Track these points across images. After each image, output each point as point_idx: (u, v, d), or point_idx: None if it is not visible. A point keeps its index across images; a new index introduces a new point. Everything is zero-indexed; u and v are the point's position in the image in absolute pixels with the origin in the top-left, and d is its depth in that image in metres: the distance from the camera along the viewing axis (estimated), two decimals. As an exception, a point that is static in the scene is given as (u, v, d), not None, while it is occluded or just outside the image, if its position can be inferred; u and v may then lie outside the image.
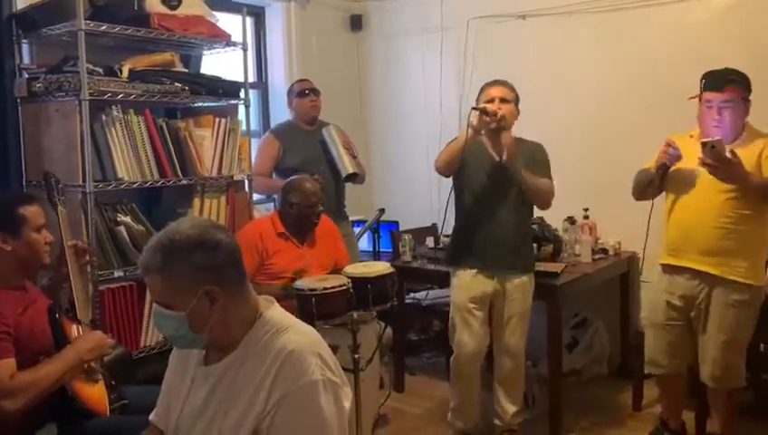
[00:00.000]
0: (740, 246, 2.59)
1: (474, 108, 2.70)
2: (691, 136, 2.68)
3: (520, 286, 2.90)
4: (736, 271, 2.60)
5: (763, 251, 2.70)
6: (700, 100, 2.66)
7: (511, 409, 3.00)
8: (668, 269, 2.78)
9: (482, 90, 2.91)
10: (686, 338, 2.77)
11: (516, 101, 2.87)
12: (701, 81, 2.67)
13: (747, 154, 2.52)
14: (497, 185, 2.84)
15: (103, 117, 2.69)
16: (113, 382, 2.08)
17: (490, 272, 2.88)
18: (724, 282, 2.61)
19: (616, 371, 3.79)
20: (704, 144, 2.43)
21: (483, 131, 2.72)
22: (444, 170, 2.89)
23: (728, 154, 2.41)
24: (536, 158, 2.88)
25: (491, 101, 2.78)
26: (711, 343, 2.66)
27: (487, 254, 2.87)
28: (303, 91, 3.71)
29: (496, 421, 3.04)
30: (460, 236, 2.98)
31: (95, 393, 1.99)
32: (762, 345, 3.10)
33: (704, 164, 2.47)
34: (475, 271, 2.90)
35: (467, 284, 2.91)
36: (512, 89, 2.88)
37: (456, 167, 2.83)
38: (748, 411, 3.10)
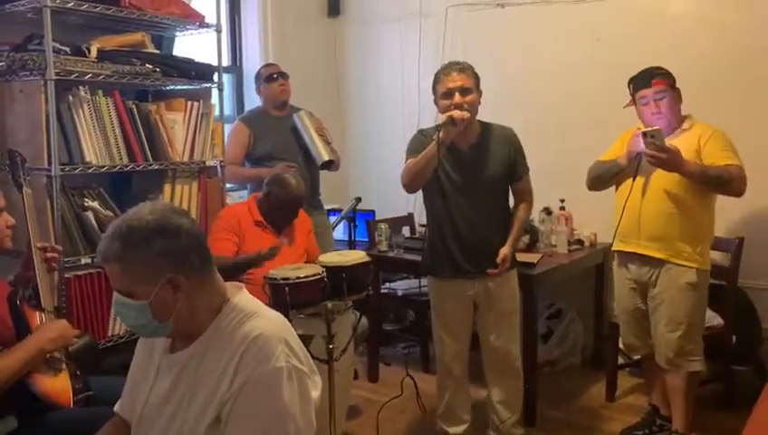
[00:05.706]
0: (684, 231, 2.66)
1: (438, 127, 2.52)
2: (639, 129, 2.74)
3: (503, 282, 2.71)
4: (681, 255, 2.67)
5: (708, 236, 2.77)
6: (635, 103, 2.77)
7: (507, 418, 2.78)
8: (620, 256, 2.87)
9: (437, 79, 2.63)
10: None
11: (478, 84, 2.63)
12: (629, 85, 2.78)
13: (688, 140, 2.64)
14: (468, 181, 2.64)
15: (70, 98, 2.61)
16: (78, 373, 2.00)
17: (470, 276, 2.69)
18: (671, 266, 2.68)
19: (590, 361, 3.80)
20: (644, 134, 2.53)
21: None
22: (412, 188, 2.70)
23: (667, 144, 2.52)
24: (515, 145, 2.71)
25: (449, 93, 2.57)
26: (662, 326, 2.72)
27: (465, 260, 2.67)
28: (271, 76, 3.62)
29: (493, 433, 2.83)
30: (434, 242, 2.74)
31: (57, 384, 1.91)
32: (734, 337, 3.14)
33: (645, 154, 2.56)
34: (453, 279, 2.71)
35: (446, 291, 2.75)
36: (471, 73, 2.62)
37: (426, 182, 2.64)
38: (719, 402, 3.14)
